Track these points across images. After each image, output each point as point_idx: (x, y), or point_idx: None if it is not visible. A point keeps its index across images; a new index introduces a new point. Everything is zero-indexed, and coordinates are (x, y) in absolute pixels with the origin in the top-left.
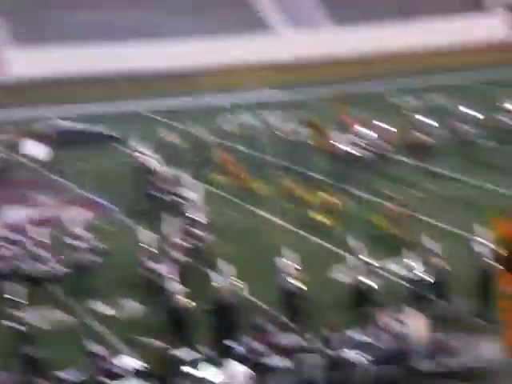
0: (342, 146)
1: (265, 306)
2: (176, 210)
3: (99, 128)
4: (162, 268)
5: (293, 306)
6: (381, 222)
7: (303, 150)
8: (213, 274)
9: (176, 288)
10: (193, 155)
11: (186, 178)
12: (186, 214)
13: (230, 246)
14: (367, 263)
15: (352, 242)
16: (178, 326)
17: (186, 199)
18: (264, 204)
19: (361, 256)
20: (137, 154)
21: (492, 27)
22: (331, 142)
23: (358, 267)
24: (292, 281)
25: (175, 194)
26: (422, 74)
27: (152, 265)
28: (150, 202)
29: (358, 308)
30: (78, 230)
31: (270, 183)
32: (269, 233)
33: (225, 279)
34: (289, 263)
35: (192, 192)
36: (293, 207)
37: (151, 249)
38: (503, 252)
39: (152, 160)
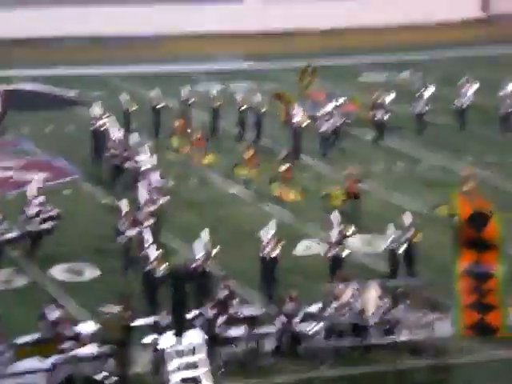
0: (298, 119)
1: (224, 276)
2: (133, 175)
3: (64, 91)
4: (137, 234)
5: (269, 276)
6: (338, 196)
7: (266, 121)
8: (173, 243)
9: (152, 254)
10: (153, 122)
11: (145, 144)
12: (145, 181)
13: (189, 214)
14: (331, 237)
15: (313, 216)
16: (151, 291)
17: (145, 165)
18: (224, 175)
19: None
20: (97, 118)
21: (464, 5)
22: (292, 114)
23: (321, 241)
24: (267, 252)
25: (132, 160)
26: (392, 50)
27: (127, 231)
28: (109, 167)
29: (320, 281)
30: (36, 194)
31: (228, 154)
32: (229, 204)
33: (185, 248)
34: (266, 234)
35: (151, 158)
36: (253, 180)
37: (124, 215)
38: (463, 230)
39: (112, 125)
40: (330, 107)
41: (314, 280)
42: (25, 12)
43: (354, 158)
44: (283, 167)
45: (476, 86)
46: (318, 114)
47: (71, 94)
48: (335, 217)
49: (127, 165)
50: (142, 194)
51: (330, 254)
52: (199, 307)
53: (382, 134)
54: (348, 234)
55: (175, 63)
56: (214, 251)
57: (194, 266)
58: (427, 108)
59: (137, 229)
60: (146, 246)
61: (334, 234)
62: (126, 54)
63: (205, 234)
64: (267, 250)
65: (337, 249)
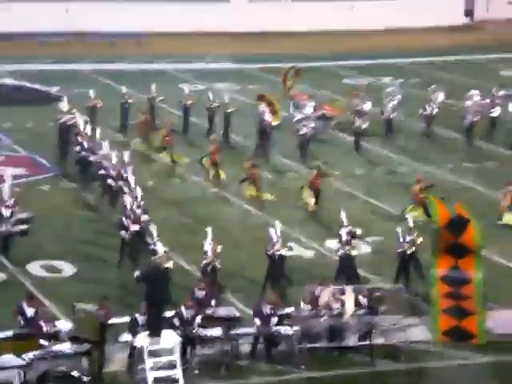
0: (267, 118)
1: (199, 275)
2: (99, 169)
3: (46, 87)
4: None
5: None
6: (307, 196)
7: (243, 121)
8: (148, 241)
9: (159, 248)
10: (122, 118)
11: (108, 139)
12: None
13: (163, 211)
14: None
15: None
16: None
17: (107, 160)
18: (196, 173)
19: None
20: (64, 113)
21: (448, 12)
22: (260, 113)
23: (276, 244)
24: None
25: (98, 154)
26: (377, 54)
27: (131, 226)
28: (77, 160)
29: (300, 283)
30: (10, 191)
31: (197, 151)
32: (203, 202)
33: (159, 247)
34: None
35: (113, 153)
36: (223, 177)
37: (128, 209)
38: (441, 235)
39: (80, 120)
40: (309, 110)
41: (295, 282)
42: (9, 7)
43: (332, 162)
44: (249, 167)
45: (442, 94)
46: (298, 116)
47: (53, 89)
48: (344, 216)
49: (92, 158)
50: (137, 190)
51: (339, 253)
52: (170, 307)
53: (359, 140)
54: (358, 233)
55: (160, 62)
56: (219, 248)
57: (204, 262)
58: (394, 114)
59: (138, 225)
60: (155, 240)
61: (344, 233)
62: (110, 52)
63: (209, 232)
64: (276, 248)
65: (347, 248)
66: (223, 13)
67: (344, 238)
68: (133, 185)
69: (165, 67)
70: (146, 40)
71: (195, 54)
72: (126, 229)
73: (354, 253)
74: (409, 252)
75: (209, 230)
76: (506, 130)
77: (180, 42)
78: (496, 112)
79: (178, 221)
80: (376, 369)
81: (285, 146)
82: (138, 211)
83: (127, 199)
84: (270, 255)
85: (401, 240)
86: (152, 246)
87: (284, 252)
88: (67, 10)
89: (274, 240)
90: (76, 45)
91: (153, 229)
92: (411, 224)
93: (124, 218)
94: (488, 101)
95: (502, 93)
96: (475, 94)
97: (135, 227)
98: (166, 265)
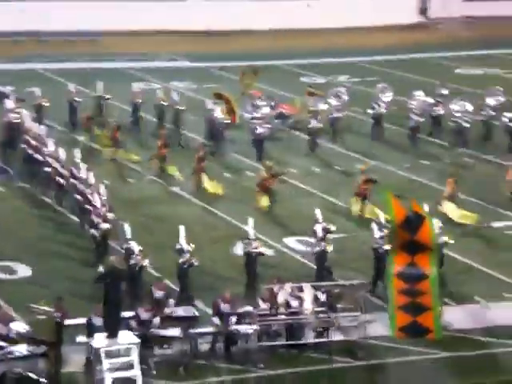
0: (217, 115)
1: (160, 276)
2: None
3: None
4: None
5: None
6: (260, 198)
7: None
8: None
9: (135, 247)
10: (70, 116)
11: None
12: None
13: (122, 213)
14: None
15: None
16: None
17: (58, 159)
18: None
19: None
20: (10, 111)
21: (402, 10)
22: (209, 109)
23: (253, 241)
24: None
25: (44, 152)
26: (330, 52)
27: (101, 224)
28: (25, 160)
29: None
30: None
31: (146, 149)
32: (155, 200)
33: (134, 246)
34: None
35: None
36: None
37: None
38: (397, 232)
39: (26, 118)
40: (266, 110)
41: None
42: None
43: (288, 161)
44: (197, 158)
45: (391, 92)
46: (255, 115)
47: (6, 89)
48: (319, 213)
49: (38, 156)
50: (101, 188)
51: (316, 250)
52: (128, 308)
53: (315, 140)
54: (332, 229)
55: (116, 60)
56: (191, 247)
57: (182, 260)
58: (339, 115)
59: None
60: (128, 238)
61: (319, 230)
62: (65, 50)
63: (181, 231)
64: (253, 245)
65: (322, 244)
66: (180, 11)
67: (319, 234)
68: (91, 182)
69: (121, 65)
70: (101, 38)
71: (152, 52)
72: (96, 227)
73: (329, 249)
74: (384, 248)
75: (181, 228)
76: (451, 128)
77: (136, 41)
78: (440, 110)
79: (134, 220)
80: (335, 365)
81: (241, 145)
82: (103, 209)
83: (95, 197)
84: (247, 253)
85: (375, 236)
86: (125, 245)
87: (263, 250)
88: (22, 10)
89: (251, 238)
90: (30, 43)
91: (126, 228)
92: (383, 220)
93: (94, 217)
94: (433, 100)
95: (446, 91)
96: (421, 94)
97: (105, 225)
98: (143, 263)
